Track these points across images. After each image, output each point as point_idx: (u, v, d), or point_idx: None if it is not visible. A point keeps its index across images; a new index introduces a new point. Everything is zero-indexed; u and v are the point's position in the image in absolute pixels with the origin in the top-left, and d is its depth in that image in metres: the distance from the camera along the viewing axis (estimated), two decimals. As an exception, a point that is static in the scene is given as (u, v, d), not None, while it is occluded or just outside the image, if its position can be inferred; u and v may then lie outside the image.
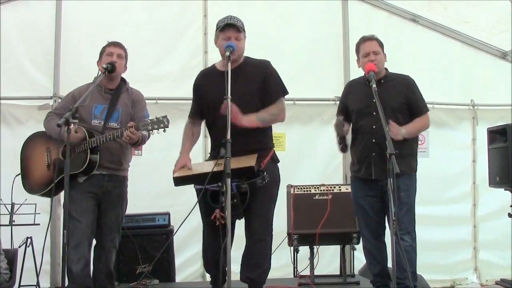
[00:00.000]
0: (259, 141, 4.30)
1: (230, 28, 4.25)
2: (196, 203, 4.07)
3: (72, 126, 4.02)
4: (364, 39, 4.91)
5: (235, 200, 3.84)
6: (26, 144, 4.96)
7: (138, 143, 4.65)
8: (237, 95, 3.98)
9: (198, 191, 4.13)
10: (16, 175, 4.97)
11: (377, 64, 4.70)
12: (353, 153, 4.89)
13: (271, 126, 4.47)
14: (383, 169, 4.39)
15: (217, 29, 4.34)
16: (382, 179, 4.55)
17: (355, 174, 4.90)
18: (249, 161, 4.02)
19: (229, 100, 3.78)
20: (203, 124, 4.70)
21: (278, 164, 4.43)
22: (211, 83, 4.34)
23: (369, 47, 4.83)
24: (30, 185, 4.86)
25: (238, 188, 3.88)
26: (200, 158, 6.09)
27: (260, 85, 4.32)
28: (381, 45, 4.85)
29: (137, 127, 4.38)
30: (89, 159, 4.51)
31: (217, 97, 4.02)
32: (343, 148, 4.84)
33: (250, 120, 4.13)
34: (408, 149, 4.67)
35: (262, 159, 4.15)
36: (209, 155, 4.59)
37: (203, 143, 6.29)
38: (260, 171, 4.02)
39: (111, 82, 4.78)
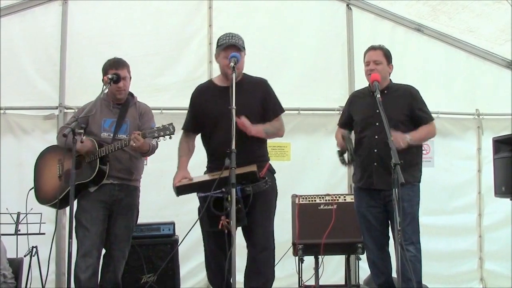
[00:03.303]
0: (257, 154, 4.41)
1: (231, 48, 4.31)
2: (202, 213, 4.08)
3: (77, 136, 4.07)
4: (369, 48, 4.92)
5: (239, 205, 3.87)
6: (40, 156, 5.05)
7: (148, 152, 4.75)
8: (238, 109, 4.06)
9: (201, 199, 4.15)
10: (30, 189, 5.00)
11: (376, 74, 4.70)
12: (355, 163, 4.88)
13: (267, 140, 4.58)
14: (384, 179, 4.43)
15: (218, 46, 4.43)
16: (383, 188, 4.55)
17: (357, 184, 4.90)
18: (250, 167, 4.10)
19: (233, 110, 3.82)
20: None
21: (275, 175, 4.52)
22: (210, 98, 4.45)
23: (370, 56, 4.85)
24: (42, 196, 4.92)
25: (242, 191, 3.93)
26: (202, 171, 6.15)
27: (260, 102, 4.44)
28: (386, 55, 4.84)
29: (143, 135, 4.45)
30: (98, 169, 4.57)
31: (217, 112, 4.18)
32: (350, 161, 4.77)
33: (257, 130, 4.30)
34: (412, 159, 4.67)
35: (261, 169, 4.22)
36: (206, 168, 4.60)
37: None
38: (262, 178, 4.11)
39: (119, 98, 4.85)
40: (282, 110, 4.61)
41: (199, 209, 4.37)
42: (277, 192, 4.51)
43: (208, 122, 4.44)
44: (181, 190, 4.27)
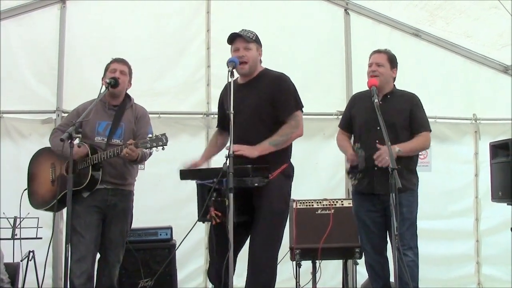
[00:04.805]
0: (270, 156, 4.14)
1: (237, 39, 4.28)
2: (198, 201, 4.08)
3: (75, 140, 4.05)
4: (374, 51, 4.93)
5: (225, 198, 3.68)
6: (33, 159, 5.02)
7: (137, 161, 4.65)
8: (249, 108, 4.10)
9: (198, 186, 4.13)
10: (24, 190, 4.99)
11: (377, 75, 4.71)
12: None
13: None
14: (385, 183, 4.38)
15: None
16: (384, 193, 4.54)
17: (356, 188, 4.88)
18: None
19: (231, 115, 3.81)
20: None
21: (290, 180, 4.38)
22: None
23: (374, 58, 4.86)
24: (35, 200, 4.90)
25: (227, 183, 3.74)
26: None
27: (271, 98, 4.24)
28: (390, 59, 4.85)
29: (136, 145, 4.39)
30: (91, 176, 4.54)
31: (233, 109, 3.96)
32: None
33: (262, 149, 4.08)
34: (410, 165, 4.69)
35: (272, 172, 4.12)
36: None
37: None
38: (261, 176, 3.96)
39: (115, 99, 4.82)
40: (298, 106, 4.32)
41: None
42: (287, 198, 4.36)
43: (227, 120, 4.31)
44: (183, 174, 4.24)
